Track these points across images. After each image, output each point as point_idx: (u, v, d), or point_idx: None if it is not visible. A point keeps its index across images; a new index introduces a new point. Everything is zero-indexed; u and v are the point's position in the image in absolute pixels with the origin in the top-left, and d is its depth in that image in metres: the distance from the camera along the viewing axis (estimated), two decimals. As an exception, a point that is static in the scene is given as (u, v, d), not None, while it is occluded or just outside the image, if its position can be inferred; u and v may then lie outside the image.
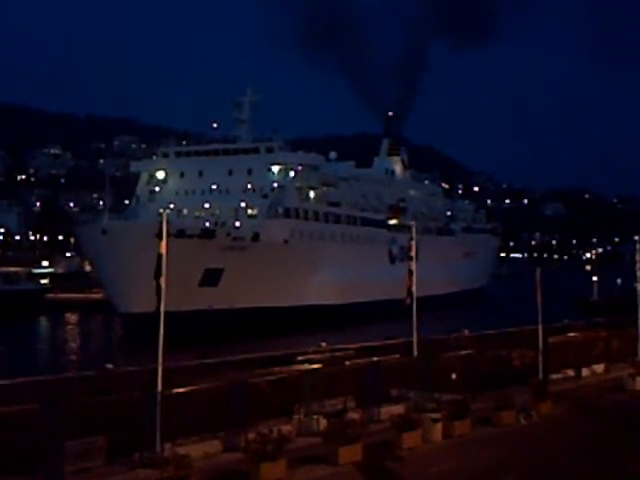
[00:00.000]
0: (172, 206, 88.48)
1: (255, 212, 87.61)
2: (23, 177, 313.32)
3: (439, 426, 27.41)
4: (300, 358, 33.28)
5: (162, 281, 22.97)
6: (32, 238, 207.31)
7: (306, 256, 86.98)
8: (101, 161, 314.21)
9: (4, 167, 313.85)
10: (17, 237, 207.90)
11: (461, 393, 30.94)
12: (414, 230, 33.83)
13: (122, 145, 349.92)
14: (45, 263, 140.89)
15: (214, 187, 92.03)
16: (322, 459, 23.72)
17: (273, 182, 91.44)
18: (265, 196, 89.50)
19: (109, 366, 30.41)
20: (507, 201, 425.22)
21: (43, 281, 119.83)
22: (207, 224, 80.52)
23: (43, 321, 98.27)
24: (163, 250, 23.13)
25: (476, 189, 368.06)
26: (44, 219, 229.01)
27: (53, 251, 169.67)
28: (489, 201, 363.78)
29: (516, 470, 24.52)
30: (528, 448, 27.37)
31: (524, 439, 28.57)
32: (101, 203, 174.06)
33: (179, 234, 69.69)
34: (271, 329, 71.94)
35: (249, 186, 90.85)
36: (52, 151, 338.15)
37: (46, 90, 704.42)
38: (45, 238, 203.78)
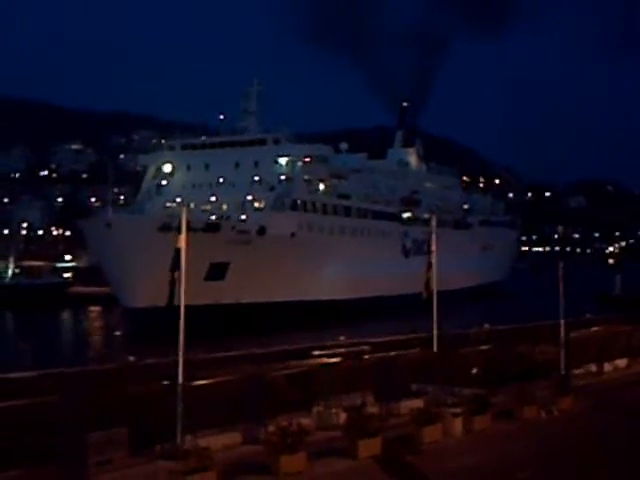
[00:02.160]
0: (179, 200, 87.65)
1: (262, 205, 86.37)
2: (45, 173, 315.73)
3: (459, 420, 27.33)
4: (318, 352, 33.31)
5: (179, 275, 23.01)
6: (55, 233, 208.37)
7: (314, 250, 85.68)
8: (122, 156, 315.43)
9: (26, 163, 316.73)
10: (40, 232, 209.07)
11: (482, 388, 30.85)
12: (434, 222, 33.64)
13: (142, 140, 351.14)
14: (68, 257, 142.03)
15: (221, 180, 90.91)
16: (341, 452, 23.72)
17: (280, 174, 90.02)
18: (272, 188, 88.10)
19: (131, 358, 30.61)
20: (529, 194, 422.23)
21: (65, 275, 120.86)
22: (213, 217, 79.39)
23: (65, 314, 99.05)
24: (182, 244, 23.21)
25: (497, 182, 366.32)
26: (66, 214, 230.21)
27: (75, 245, 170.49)
28: (511, 194, 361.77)
29: (537, 465, 24.43)
30: (549, 443, 27.25)
31: (545, 434, 28.42)
32: (122, 198, 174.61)
33: None
34: (279, 324, 70.90)
35: (256, 178, 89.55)
36: (73, 147, 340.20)
37: (67, 87, 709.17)
38: (67, 233, 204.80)
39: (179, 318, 22.72)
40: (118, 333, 72.84)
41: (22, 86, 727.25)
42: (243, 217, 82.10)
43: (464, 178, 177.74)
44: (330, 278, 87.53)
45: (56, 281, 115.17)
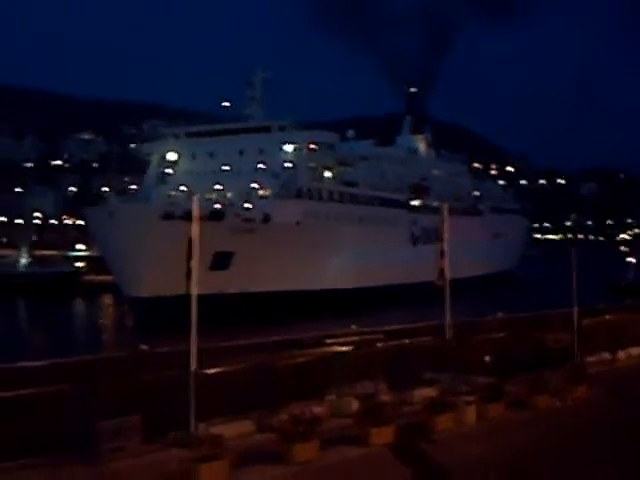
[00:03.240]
0: (183, 188, 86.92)
1: (267, 193, 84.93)
2: (57, 162, 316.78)
3: (472, 409, 27.21)
4: (330, 340, 33.22)
5: (192, 264, 23.02)
6: (67, 222, 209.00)
7: (320, 238, 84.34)
8: (132, 145, 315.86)
9: (38, 153, 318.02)
10: (52, 221, 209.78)
11: (495, 376, 30.75)
12: (445, 210, 33.45)
13: (152, 129, 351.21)
14: (80, 246, 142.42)
15: (225, 168, 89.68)
16: (354, 440, 23.64)
17: (285, 162, 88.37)
18: (277, 176, 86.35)
19: (143, 347, 30.60)
20: (541, 181, 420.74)
21: (78, 264, 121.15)
22: (217, 206, 77.83)
23: (78, 303, 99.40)
24: (195, 234, 23.23)
25: (510, 169, 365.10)
26: (78, 203, 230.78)
27: (87, 234, 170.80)
28: (523, 181, 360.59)
29: (551, 453, 24.36)
30: (563, 431, 27.18)
31: (559, 422, 28.34)
32: (134, 187, 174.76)
33: (185, 216, 68.43)
34: (285, 314, 69.57)
35: (260, 166, 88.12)
36: (84, 136, 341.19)
37: (78, 77, 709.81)
38: (79, 222, 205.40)
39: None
40: (130, 323, 72.86)
41: (34, 76, 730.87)
42: (247, 205, 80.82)
43: (475, 165, 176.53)
44: (337, 267, 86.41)
45: (69, 270, 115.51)
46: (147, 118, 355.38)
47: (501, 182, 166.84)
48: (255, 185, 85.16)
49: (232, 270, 74.44)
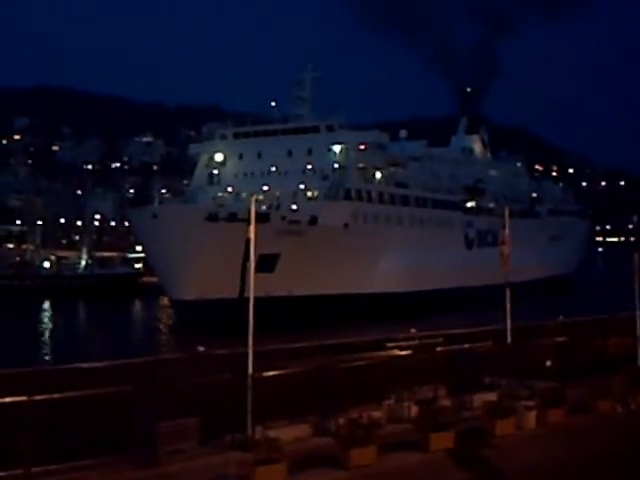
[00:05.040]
0: (230, 189, 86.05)
1: (315, 194, 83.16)
2: (117, 165, 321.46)
3: (533, 414, 26.79)
4: (390, 344, 32.99)
5: (250, 265, 23.05)
6: (126, 224, 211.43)
7: (369, 241, 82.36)
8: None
9: (99, 155, 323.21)
10: (112, 223, 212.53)
11: (556, 380, 30.22)
12: (507, 213, 32.99)
13: (210, 132, 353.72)
14: (139, 248, 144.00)
15: (273, 169, 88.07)
16: (413, 446, 23.39)
17: (334, 162, 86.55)
18: (325, 177, 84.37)
19: (200, 349, 30.74)
20: (603, 183, 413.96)
21: (137, 265, 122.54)
22: (263, 207, 75.66)
23: (137, 304, 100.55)
24: (252, 235, 23.24)
25: (571, 171, 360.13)
26: (137, 205, 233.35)
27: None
28: (584, 183, 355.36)
29: (614, 459, 23.82)
30: (625, 437, 26.57)
31: (621, 428, 27.72)
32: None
33: (230, 218, 66.64)
34: (335, 318, 68.06)
35: (309, 167, 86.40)
36: (144, 139, 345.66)
37: (138, 81, 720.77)
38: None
39: (250, 308, 22.63)
40: (174, 326, 72.73)
41: (95, 80, 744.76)
42: (294, 207, 79.37)
43: (536, 167, 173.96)
44: (387, 270, 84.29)
45: (128, 272, 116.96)
46: (206, 120, 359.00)
47: (561, 184, 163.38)
48: (302, 186, 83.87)
49: (278, 273, 72.67)
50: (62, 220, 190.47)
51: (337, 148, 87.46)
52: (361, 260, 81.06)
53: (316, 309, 71.59)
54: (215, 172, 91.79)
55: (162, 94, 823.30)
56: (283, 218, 74.65)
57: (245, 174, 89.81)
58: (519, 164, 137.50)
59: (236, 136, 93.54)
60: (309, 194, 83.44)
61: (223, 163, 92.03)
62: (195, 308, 68.21)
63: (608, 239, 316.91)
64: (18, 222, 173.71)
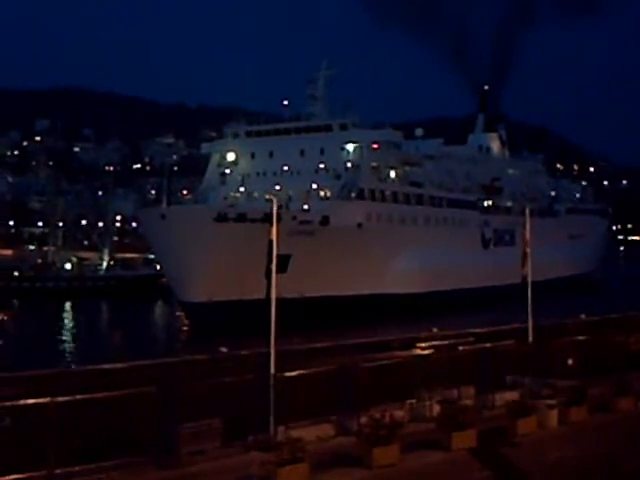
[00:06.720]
0: (242, 189, 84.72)
1: (328, 194, 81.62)
2: (138, 166, 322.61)
3: (555, 412, 26.75)
4: (421, 344, 32.95)
5: (272, 267, 23.11)
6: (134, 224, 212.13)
7: (383, 241, 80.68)
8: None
9: (121, 156, 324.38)
10: (134, 224, 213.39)
11: (577, 379, 30.13)
12: (527, 212, 32.94)
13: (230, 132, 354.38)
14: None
15: (285, 168, 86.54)
16: (435, 445, 23.43)
17: (347, 161, 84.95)
18: (338, 176, 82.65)
19: (223, 349, 30.88)
20: (624, 182, 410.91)
21: (158, 266, 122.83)
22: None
23: (158, 305, 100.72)
24: (274, 236, 23.34)
25: (592, 169, 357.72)
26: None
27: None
28: (605, 182, 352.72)
29: (634, 457, 23.73)
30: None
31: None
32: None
33: (239, 218, 66.34)
34: (346, 319, 67.00)
35: (321, 166, 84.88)
36: (165, 140, 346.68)
37: (159, 81, 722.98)
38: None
39: (272, 309, 22.69)
40: (184, 329, 72.40)
41: (116, 81, 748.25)
42: (305, 207, 77.74)
43: (557, 165, 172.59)
44: (401, 270, 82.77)
45: (149, 273, 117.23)
46: (226, 121, 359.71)
47: (584, 182, 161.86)
48: (315, 186, 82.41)
49: (289, 274, 72.22)
50: (83, 221, 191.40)
51: (350, 147, 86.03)
52: (375, 261, 79.57)
53: (328, 311, 70.46)
54: (227, 171, 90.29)
55: (183, 95, 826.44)
56: (294, 218, 72.82)
57: (257, 173, 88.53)
58: (538, 163, 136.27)
59: (248, 135, 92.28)
60: (322, 194, 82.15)
61: (235, 162, 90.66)
62: (202, 310, 67.07)
63: (629, 238, 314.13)
64: (40, 224, 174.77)
